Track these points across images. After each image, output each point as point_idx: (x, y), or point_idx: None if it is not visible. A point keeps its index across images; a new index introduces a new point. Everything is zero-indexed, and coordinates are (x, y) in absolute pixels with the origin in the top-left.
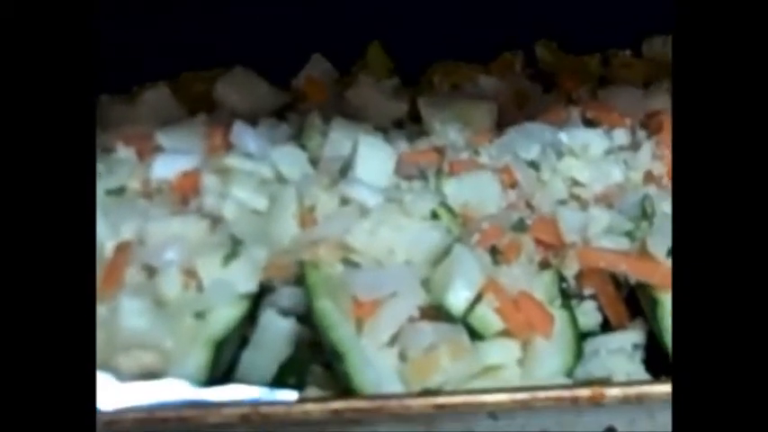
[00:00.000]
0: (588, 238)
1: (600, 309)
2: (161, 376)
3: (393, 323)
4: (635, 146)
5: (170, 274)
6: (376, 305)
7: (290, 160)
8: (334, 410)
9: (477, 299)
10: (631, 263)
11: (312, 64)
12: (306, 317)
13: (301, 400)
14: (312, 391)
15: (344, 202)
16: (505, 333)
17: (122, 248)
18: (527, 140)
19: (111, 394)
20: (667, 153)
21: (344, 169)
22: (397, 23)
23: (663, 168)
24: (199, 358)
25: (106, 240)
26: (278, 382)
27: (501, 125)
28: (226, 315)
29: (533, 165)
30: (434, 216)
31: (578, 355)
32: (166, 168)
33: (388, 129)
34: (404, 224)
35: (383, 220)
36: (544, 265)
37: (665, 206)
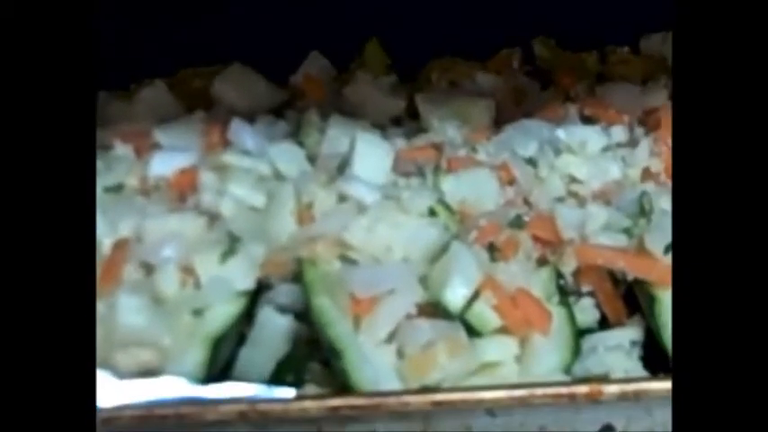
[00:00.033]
0: (586, 234)
1: (598, 306)
2: (159, 373)
3: (391, 320)
4: (633, 143)
5: (168, 272)
6: (373, 302)
7: (287, 157)
8: (331, 407)
9: (475, 296)
10: (629, 260)
11: (310, 61)
12: (303, 314)
13: (299, 398)
14: (310, 389)
15: (342, 199)
16: (503, 330)
17: (120, 246)
18: (525, 137)
19: (109, 391)
20: (665, 150)
21: (342, 166)
22: (394, 21)
23: (660, 165)
24: (196, 355)
25: (104, 237)
26: (276, 379)
27: (499, 122)
28: (223, 312)
29: (531, 162)
30: (432, 213)
31: (576, 352)
32: (164, 165)
33: (385, 126)
34: (401, 221)
35: (381, 218)
36: (542, 262)
37: (662, 203)
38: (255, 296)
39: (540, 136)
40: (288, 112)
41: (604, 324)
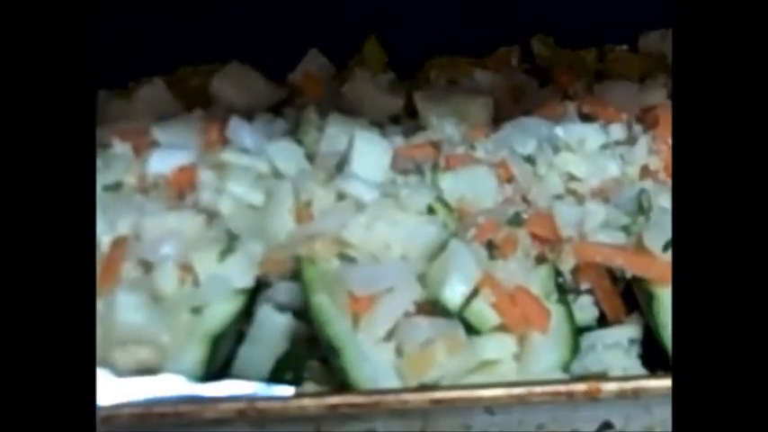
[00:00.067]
0: (584, 232)
1: (596, 303)
2: (157, 371)
3: (389, 318)
4: (631, 140)
5: (166, 270)
6: (372, 300)
7: (286, 155)
8: (330, 405)
9: (474, 294)
10: (628, 257)
11: (308, 59)
12: (302, 312)
13: (298, 396)
14: (309, 387)
15: (341, 196)
16: (502, 328)
17: (119, 243)
18: (523, 135)
19: (108, 390)
20: (663, 148)
21: (341, 164)
22: (393, 18)
23: (659, 163)
24: (195, 353)
25: (103, 235)
26: (274, 377)
27: (497, 120)
28: (222, 310)
29: (529, 159)
30: (430, 211)
31: (575, 349)
32: (162, 163)
33: (384, 123)
34: (400, 219)
35: (379, 215)
36: (540, 259)
37: (661, 200)
38: (254, 294)
39: (539, 134)
40: (286, 110)
41: (603, 322)
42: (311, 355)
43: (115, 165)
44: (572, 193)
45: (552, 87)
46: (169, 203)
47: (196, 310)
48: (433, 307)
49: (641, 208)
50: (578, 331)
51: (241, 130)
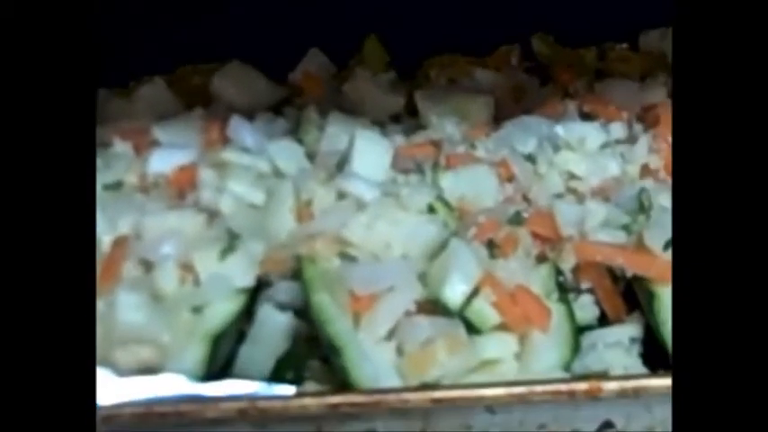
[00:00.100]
0: (585, 231)
1: (597, 302)
2: (158, 371)
3: (390, 317)
4: (631, 139)
5: (167, 269)
6: (373, 299)
7: (286, 154)
8: (331, 405)
9: (474, 293)
10: (628, 256)
11: (309, 58)
12: (303, 311)
13: (299, 395)
14: (310, 386)
15: (341, 196)
16: (502, 327)
17: (119, 243)
18: (524, 134)
19: (109, 389)
20: (664, 146)
21: (341, 163)
22: (393, 18)
23: (659, 162)
24: (196, 353)
25: (103, 235)
26: (275, 376)
27: (498, 119)
28: (223, 309)
29: (530, 158)
30: (431, 210)
31: (575, 348)
32: (163, 163)
33: (384, 123)
34: (400, 218)
35: (380, 214)
36: (541, 258)
37: (661, 199)
38: (255, 293)
39: (539, 132)
40: (287, 109)
41: (604, 321)
42: (312, 354)
43: (116, 164)
44: (572, 191)
45: (553, 86)
46: (170, 203)
47: (197, 310)
48: (433, 306)
49: (642, 207)
50: (579, 330)
51: (242, 130)
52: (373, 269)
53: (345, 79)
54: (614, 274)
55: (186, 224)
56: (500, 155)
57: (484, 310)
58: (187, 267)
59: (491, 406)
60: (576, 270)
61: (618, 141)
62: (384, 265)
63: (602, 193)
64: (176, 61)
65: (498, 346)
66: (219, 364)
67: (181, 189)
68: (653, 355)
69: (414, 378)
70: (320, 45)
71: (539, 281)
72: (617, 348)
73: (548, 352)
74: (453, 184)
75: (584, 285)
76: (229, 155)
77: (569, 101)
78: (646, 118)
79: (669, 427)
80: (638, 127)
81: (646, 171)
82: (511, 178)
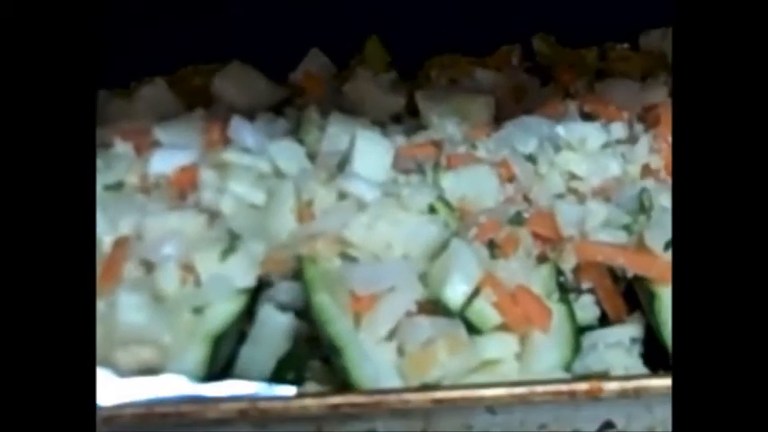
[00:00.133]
0: (586, 231)
1: (598, 303)
2: (159, 371)
3: (391, 317)
4: (632, 139)
5: (168, 269)
6: (374, 299)
7: (287, 155)
8: (332, 405)
9: (475, 293)
10: (629, 256)
11: (310, 58)
12: (304, 311)
13: (300, 395)
14: (310, 386)
15: (342, 196)
16: (503, 327)
17: (120, 243)
18: (524, 134)
19: (110, 390)
20: (665, 146)
21: (342, 164)
22: (394, 18)
23: (660, 162)
24: (197, 353)
25: (104, 235)
26: (276, 377)
27: (498, 119)
28: (224, 310)
29: (531, 158)
30: (432, 210)
31: (576, 349)
32: (164, 163)
33: (385, 123)
34: (401, 218)
35: (381, 215)
36: (542, 258)
37: (662, 199)
38: (256, 294)
39: (540, 133)
40: (288, 109)
41: (604, 321)
42: (313, 354)
43: (117, 164)
44: (573, 192)
45: (553, 86)
46: (171, 203)
47: (198, 310)
48: (434, 306)
49: (642, 207)
50: (580, 330)
51: (242, 130)
52: (374, 269)
53: (346, 79)
54: (615, 275)
55: (187, 225)
56: (501, 155)
57: (484, 311)
58: (188, 268)
59: (492, 406)
60: (577, 270)
61: (619, 141)
62: (385, 266)
63: (603, 194)
64: (177, 62)
65: (499, 347)
66: (220, 365)
67: (182, 189)
68: (653, 356)
69: (414, 378)
70: (321, 45)
71: (539, 281)
72: (618, 348)
73: (548, 352)
74: (454, 184)
75: (585, 285)
76: (230, 155)
77: (570, 101)
78: (646, 118)
79: (669, 427)
80: (638, 127)
81: (646, 171)
82: (512, 178)
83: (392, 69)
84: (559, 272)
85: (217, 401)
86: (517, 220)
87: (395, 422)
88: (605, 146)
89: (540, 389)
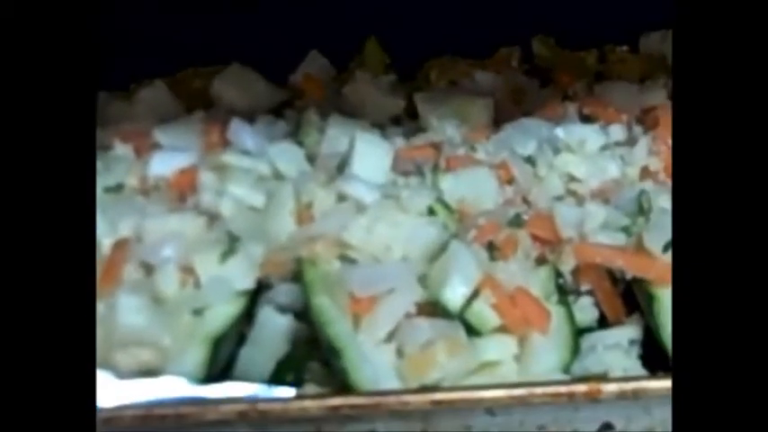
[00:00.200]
0: (585, 233)
1: (596, 304)
2: (159, 373)
3: (390, 319)
4: (631, 141)
5: (167, 271)
6: (373, 301)
7: (287, 157)
8: (331, 407)
9: (474, 295)
10: (628, 258)
11: (309, 61)
12: (303, 313)
13: (299, 397)
14: (310, 388)
15: (341, 198)
16: (502, 329)
17: (120, 246)
18: (524, 136)
19: (109, 391)
20: (663, 149)
21: (341, 166)
22: (393, 20)
23: (659, 164)
24: (196, 355)
25: (104, 237)
26: (276, 378)
27: (498, 121)
28: (223, 312)
29: (530, 160)
30: (431, 212)
31: (575, 350)
32: (164, 165)
33: (384, 125)
34: (401, 220)
35: (380, 217)
36: (541, 260)
37: (661, 201)
38: (255, 296)
39: (539, 135)
40: (287, 111)
41: (603, 323)
42: (312, 356)
43: (116, 167)
44: (572, 194)
45: (552, 88)
46: (170, 205)
47: (197, 312)
48: (433, 308)
49: (641, 209)
50: (579, 332)
51: (242, 132)
52: (373, 271)
53: (345, 81)
54: (614, 276)
55: (187, 227)
56: (500, 157)
57: (484, 312)
58: (187, 270)
59: (491, 408)
60: (576, 272)
61: (617, 143)
62: (384, 268)
63: (602, 195)
64: (177, 64)
65: (498, 348)
66: (220, 367)
67: (181, 192)
68: (652, 357)
69: (414, 380)
70: (320, 47)
71: (538, 283)
72: (616, 350)
73: (547, 354)
74: (453, 186)
75: (584, 287)
76: (230, 157)
77: (569, 103)
78: (645, 120)
79: (669, 428)
80: (637, 129)
81: (645, 173)
82: (511, 180)
83: (391, 71)
84: (558, 274)
85: (216, 403)
86: (516, 221)
87: (394, 423)
88: (604, 148)
89: (539, 390)
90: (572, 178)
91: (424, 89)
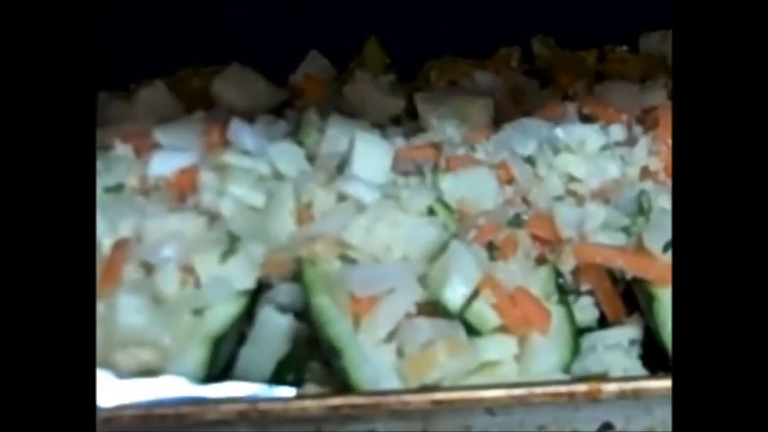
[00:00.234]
0: (585, 233)
1: (596, 304)
2: (159, 373)
3: (390, 319)
4: (631, 141)
5: (168, 271)
6: (373, 301)
7: (287, 157)
8: (331, 407)
9: (474, 295)
10: (628, 258)
11: (309, 60)
12: (303, 313)
13: (299, 397)
14: (310, 388)
15: (341, 198)
16: (502, 329)
17: (120, 245)
18: (523, 136)
19: (110, 391)
20: (663, 148)
21: (341, 166)
22: (393, 20)
23: (659, 164)
24: (197, 355)
25: (104, 237)
26: (276, 378)
27: (497, 121)
28: (223, 312)
29: (530, 160)
30: (431, 212)
31: (575, 350)
32: (164, 165)
33: (384, 125)
34: (400, 220)
35: (380, 217)
36: (541, 260)
37: (661, 201)
38: (255, 296)
39: (539, 135)
40: (287, 111)
41: (603, 323)
42: (312, 356)
43: (116, 167)
44: (572, 194)
45: (552, 88)
46: (170, 205)
47: (197, 312)
48: (433, 308)
49: (641, 209)
50: (579, 332)
51: (242, 132)
52: (373, 271)
53: (345, 81)
54: (614, 276)
55: (187, 227)
56: (500, 157)
57: (484, 312)
58: (188, 270)
59: (491, 407)
60: (576, 272)
61: (617, 143)
62: (384, 267)
63: (602, 195)
64: (177, 64)
65: (498, 348)
66: (220, 367)
67: (181, 192)
68: (652, 357)
69: (414, 380)
70: (320, 47)
71: (538, 283)
72: (616, 350)
73: (547, 354)
74: (453, 186)
75: (584, 287)
76: (230, 157)
77: (569, 103)
78: (645, 120)
79: (669, 428)
80: (637, 129)
81: (645, 173)
82: (511, 180)
83: (391, 71)
84: (558, 274)
85: (216, 403)
86: (516, 221)
87: (394, 423)
88: (604, 148)
89: (539, 390)
90: (572, 178)
91: (424, 89)
